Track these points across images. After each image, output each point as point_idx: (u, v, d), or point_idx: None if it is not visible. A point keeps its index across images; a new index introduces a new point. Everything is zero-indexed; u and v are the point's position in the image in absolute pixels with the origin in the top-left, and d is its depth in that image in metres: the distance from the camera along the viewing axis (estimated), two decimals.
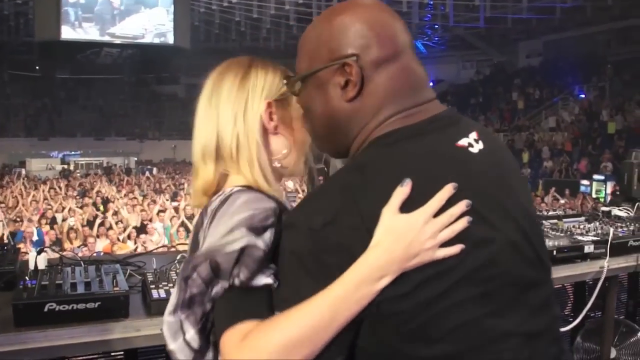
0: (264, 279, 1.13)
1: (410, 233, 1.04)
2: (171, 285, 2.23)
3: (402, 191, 1.05)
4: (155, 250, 3.55)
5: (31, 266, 2.31)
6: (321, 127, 1.23)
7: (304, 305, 1.04)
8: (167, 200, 14.87)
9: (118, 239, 10.51)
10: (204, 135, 1.34)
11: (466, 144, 1.15)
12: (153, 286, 2.21)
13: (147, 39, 30.17)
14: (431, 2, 29.32)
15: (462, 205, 1.07)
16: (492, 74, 35.65)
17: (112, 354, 2.56)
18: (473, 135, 1.17)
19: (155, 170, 27.52)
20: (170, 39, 30.28)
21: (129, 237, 10.82)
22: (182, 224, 11.64)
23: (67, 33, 28.50)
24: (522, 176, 1.36)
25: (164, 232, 11.22)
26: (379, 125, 1.17)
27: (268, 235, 1.16)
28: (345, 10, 1.20)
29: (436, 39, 36.40)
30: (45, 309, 1.93)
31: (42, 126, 34.69)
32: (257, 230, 1.15)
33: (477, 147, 1.16)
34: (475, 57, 37.72)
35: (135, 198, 14.92)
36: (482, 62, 37.45)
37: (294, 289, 1.09)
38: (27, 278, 2.13)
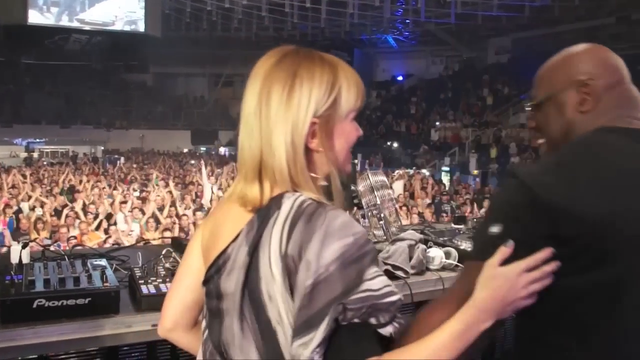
0: (391, 329, 1.23)
1: (506, 284, 1.26)
2: (160, 280, 2.22)
3: (504, 251, 1.27)
4: (137, 244, 3.52)
5: (14, 260, 2.27)
6: (559, 138, 1.54)
7: (427, 339, 1.21)
8: (135, 190, 14.70)
9: (87, 229, 10.35)
10: (246, 143, 1.31)
11: None
12: (142, 281, 2.19)
13: (118, 26, 29.67)
14: None
15: (547, 252, 1.27)
16: (462, 70, 35.97)
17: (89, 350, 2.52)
18: None
19: (122, 160, 27.21)
20: (141, 27, 29.84)
21: (98, 227, 10.67)
22: (152, 215, 11.52)
23: (35, 17, 27.87)
24: None
25: (131, 223, 11.09)
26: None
27: None
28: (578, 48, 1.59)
29: (407, 33, 36.55)
30: (34, 305, 1.91)
31: (6, 112, 33.97)
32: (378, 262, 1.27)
33: None
34: (445, 52, 38.00)
35: (104, 188, 14.72)
36: (451, 57, 37.76)
37: None
38: (12, 273, 2.08)
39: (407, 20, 32.98)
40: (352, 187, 3.14)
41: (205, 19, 30.92)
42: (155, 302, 2.08)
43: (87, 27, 28.83)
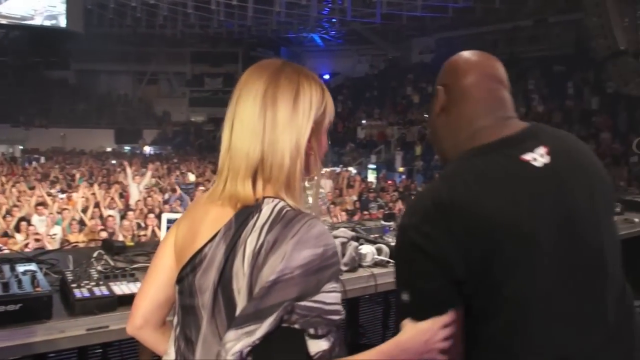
0: (324, 343, 1.32)
1: (429, 333, 1.42)
2: (93, 283, 2.19)
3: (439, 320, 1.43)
4: (65, 247, 3.44)
5: None
6: (433, 141, 1.72)
7: None
8: (58, 191, 14.27)
9: (7, 233, 10.00)
10: (246, 143, 1.37)
11: (530, 159, 1.46)
12: (74, 285, 2.16)
13: (37, 21, 28.60)
14: None
15: (451, 316, 1.43)
16: (387, 69, 36.49)
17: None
18: (541, 151, 1.48)
19: (43, 160, 26.31)
20: (62, 22, 28.90)
21: (18, 229, 10.31)
22: (76, 217, 11.23)
23: None
24: (590, 181, 1.55)
25: (52, 225, 10.76)
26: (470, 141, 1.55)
27: None
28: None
29: (333, 32, 36.79)
30: None
31: None
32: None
33: (541, 161, 1.47)
34: (370, 51, 38.42)
35: (24, 191, 14.21)
36: (377, 56, 38.22)
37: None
38: None
39: (334, 19, 33.21)
40: None
41: (130, 15, 30.23)
42: (90, 306, 2.06)
43: (3, 21, 27.61)
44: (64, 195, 13.48)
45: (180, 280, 1.43)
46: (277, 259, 1.25)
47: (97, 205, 12.22)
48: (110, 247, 2.96)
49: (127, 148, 36.51)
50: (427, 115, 2.11)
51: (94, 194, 13.42)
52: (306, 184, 1.47)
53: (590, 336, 1.45)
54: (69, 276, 2.26)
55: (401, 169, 23.15)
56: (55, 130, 34.69)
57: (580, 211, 1.48)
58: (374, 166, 24.34)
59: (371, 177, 21.71)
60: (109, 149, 35.31)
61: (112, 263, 2.69)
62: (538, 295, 1.42)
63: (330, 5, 30.35)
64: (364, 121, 29.66)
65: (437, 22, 29.85)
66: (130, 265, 2.72)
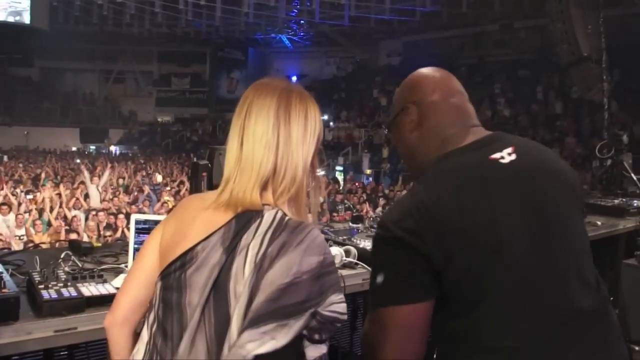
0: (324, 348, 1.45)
1: None
2: (61, 284, 2.17)
3: None
4: (31, 248, 3.40)
5: None
6: (406, 158, 1.83)
7: None
8: (22, 191, 14.04)
9: None
10: (259, 155, 1.46)
11: (498, 157, 1.60)
12: (42, 286, 2.14)
13: (0, 17, 28.05)
14: None
15: None
16: (354, 71, 36.61)
17: None
18: (508, 150, 1.62)
19: (5, 159, 25.83)
20: (26, 19, 28.37)
21: None
22: (40, 217, 11.08)
23: None
24: (556, 179, 1.67)
25: (22, 225, 10.61)
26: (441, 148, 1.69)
27: None
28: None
29: (301, 34, 36.76)
30: None
31: None
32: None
33: (508, 159, 1.60)
34: (338, 54, 38.46)
35: None
36: (344, 59, 38.29)
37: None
38: None
39: (302, 21, 33.20)
40: None
41: (96, 13, 29.80)
42: (58, 308, 2.05)
43: None
44: (30, 196, 13.25)
45: (165, 275, 1.47)
46: (287, 264, 1.34)
47: (61, 205, 12.06)
48: (78, 248, 2.94)
49: (92, 147, 36.03)
50: (388, 131, 2.09)
51: (58, 194, 13.25)
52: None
53: (566, 327, 1.52)
54: (36, 277, 2.25)
55: (368, 171, 23.26)
56: (19, 129, 34.13)
57: (548, 202, 1.59)
58: (341, 168, 24.40)
59: (339, 179, 21.76)
60: (74, 149, 34.82)
61: (79, 264, 2.67)
62: (512, 286, 1.51)
63: (298, 7, 30.33)
64: (331, 123, 29.72)
65: (405, 26, 30.01)
66: (98, 267, 2.71)
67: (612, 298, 5.10)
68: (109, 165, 18.09)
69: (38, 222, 10.79)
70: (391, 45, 35.00)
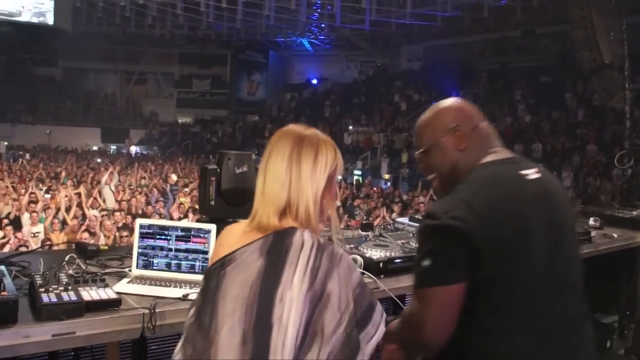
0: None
1: None
2: (62, 288, 2.17)
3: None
4: (39, 249, 3.40)
5: None
6: (447, 173, 2.10)
7: None
8: (41, 189, 14.15)
9: None
10: (276, 190, 1.78)
11: (525, 173, 1.98)
12: (42, 290, 2.14)
13: (25, 17, 28.31)
14: (319, 2, 29.61)
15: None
16: (375, 75, 36.51)
17: None
18: (533, 170, 2.01)
19: (28, 157, 26.08)
20: (50, 20, 28.63)
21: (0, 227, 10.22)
22: (57, 216, 11.15)
23: None
24: (566, 196, 2.14)
25: (36, 223, 10.69)
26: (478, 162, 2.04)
27: None
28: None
29: (322, 37, 36.78)
30: None
31: None
32: None
33: (533, 176, 1.99)
34: (359, 57, 38.39)
35: (7, 187, 14.09)
36: (365, 63, 38.22)
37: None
38: None
39: (323, 25, 33.22)
40: None
41: (119, 14, 30.07)
42: (56, 312, 2.04)
43: None
44: (48, 195, 13.35)
45: (207, 274, 1.77)
46: (346, 278, 1.71)
47: (79, 204, 12.12)
48: (84, 250, 2.94)
49: (113, 147, 36.27)
50: (423, 154, 2.23)
51: (78, 193, 13.33)
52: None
53: (568, 332, 1.96)
54: (38, 280, 2.24)
55: (387, 176, 23.16)
56: (42, 127, 34.41)
57: (563, 221, 2.00)
58: (359, 172, 24.33)
59: (360, 182, 21.69)
60: (95, 148, 35.06)
61: (83, 267, 2.66)
62: (532, 290, 1.88)
63: (319, 10, 30.36)
64: (350, 127, 29.65)
65: (426, 30, 29.91)
66: (102, 270, 2.70)
67: (628, 312, 5.03)
68: (116, 166, 18.09)
69: (55, 220, 10.87)
70: (412, 49, 34.90)
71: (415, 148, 2.27)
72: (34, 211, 11.10)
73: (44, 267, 2.50)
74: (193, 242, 2.65)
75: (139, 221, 2.72)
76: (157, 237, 2.66)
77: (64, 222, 10.92)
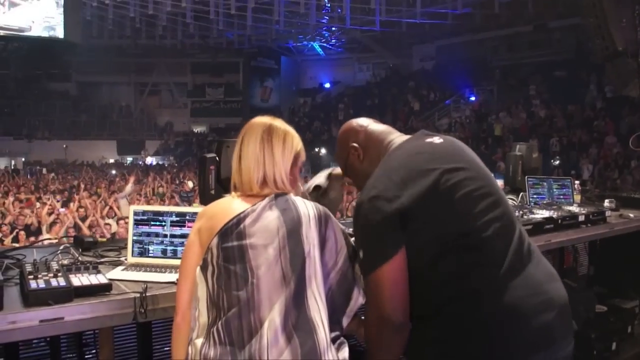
0: None
1: None
2: (51, 275, 2.11)
3: None
4: (37, 243, 3.37)
5: None
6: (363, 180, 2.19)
7: None
8: (57, 201, 14.22)
9: (2, 241, 9.95)
10: (252, 167, 2.06)
11: (432, 140, 2.17)
12: (31, 277, 2.09)
13: (35, 32, 28.51)
14: (328, 5, 29.61)
15: None
16: (388, 77, 36.41)
17: None
18: (437, 137, 2.19)
19: (44, 172, 26.25)
20: (60, 33, 28.77)
21: (17, 239, 10.25)
22: (74, 225, 11.19)
23: None
24: (470, 153, 2.22)
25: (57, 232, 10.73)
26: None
27: None
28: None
29: (333, 40, 36.76)
30: None
31: None
32: None
33: (438, 141, 2.16)
34: (371, 59, 38.33)
35: (23, 200, 14.18)
36: (377, 64, 38.14)
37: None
38: None
39: (333, 28, 33.21)
40: None
41: (129, 26, 30.28)
42: (44, 297, 1.99)
43: (1, 32, 27.46)
44: (63, 209, 13.40)
45: (223, 234, 1.92)
46: (336, 224, 2.09)
47: (94, 214, 12.17)
48: (81, 242, 2.88)
49: (129, 159, 36.47)
50: (346, 175, 2.51)
51: (93, 202, 13.40)
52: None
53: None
54: (28, 268, 2.19)
55: None
56: (58, 142, 34.63)
57: (474, 165, 2.12)
58: None
59: None
60: (111, 161, 35.26)
61: (78, 257, 2.61)
62: (457, 230, 1.96)
63: (329, 13, 30.34)
64: None
65: (437, 29, 29.73)
66: (97, 260, 2.65)
67: None
68: (131, 177, 18.14)
69: (71, 230, 10.90)
70: (424, 49, 34.76)
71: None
72: (53, 222, 11.15)
73: (37, 257, 2.45)
74: (188, 227, 2.59)
75: (132, 208, 2.67)
76: (152, 223, 2.61)
77: (79, 231, 10.94)
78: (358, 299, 2.07)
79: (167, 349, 3.47)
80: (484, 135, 23.87)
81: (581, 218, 4.06)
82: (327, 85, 39.54)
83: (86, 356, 2.73)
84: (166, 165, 31.95)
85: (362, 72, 38.78)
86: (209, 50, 36.93)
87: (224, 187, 3.29)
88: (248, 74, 39.43)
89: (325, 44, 37.61)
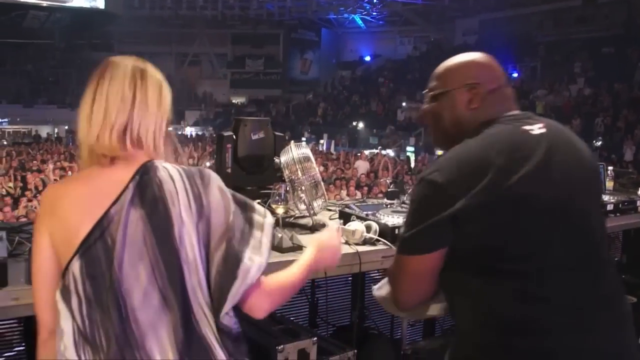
0: None
1: (334, 241, 1.98)
2: None
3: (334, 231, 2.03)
4: None
5: None
6: (450, 127, 1.96)
7: (289, 268, 1.76)
8: None
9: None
10: (114, 110, 1.58)
11: (529, 129, 1.81)
12: None
13: (76, 3, 28.79)
14: None
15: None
16: (429, 51, 35.92)
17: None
18: (538, 125, 1.83)
19: None
20: (100, 4, 29.04)
21: None
22: None
23: None
24: (576, 148, 1.88)
25: None
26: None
27: None
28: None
29: (374, 13, 36.43)
30: None
31: None
32: None
33: (538, 131, 1.81)
34: (412, 33, 37.88)
35: (63, 168, 14.45)
36: (419, 38, 37.67)
37: None
38: None
39: (375, 0, 32.83)
40: (275, 160, 3.09)
41: None
42: None
43: (44, 4, 27.83)
44: None
45: (86, 251, 1.49)
46: (225, 205, 1.58)
47: None
48: None
49: (169, 129, 36.81)
50: (430, 97, 2.12)
51: None
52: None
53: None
54: None
55: (440, 152, 22.78)
56: None
57: (570, 171, 1.79)
58: (412, 149, 24.07)
59: (410, 159, 21.44)
60: None
61: None
62: (533, 239, 1.70)
63: None
64: (404, 104, 29.30)
65: (481, 3, 29.25)
66: None
67: None
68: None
69: None
70: (467, 23, 34.15)
71: (426, 89, 2.13)
72: None
73: None
74: None
75: None
76: None
77: None
78: (248, 273, 1.55)
79: None
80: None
81: (609, 207, 3.94)
82: (368, 58, 39.21)
83: None
84: (206, 136, 32.24)
85: (403, 45, 38.33)
86: (249, 22, 36.96)
87: (240, 166, 3.29)
88: (288, 45, 39.39)
89: (366, 17, 37.28)
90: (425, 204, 1.76)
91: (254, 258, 1.56)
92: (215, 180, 1.60)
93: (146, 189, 1.52)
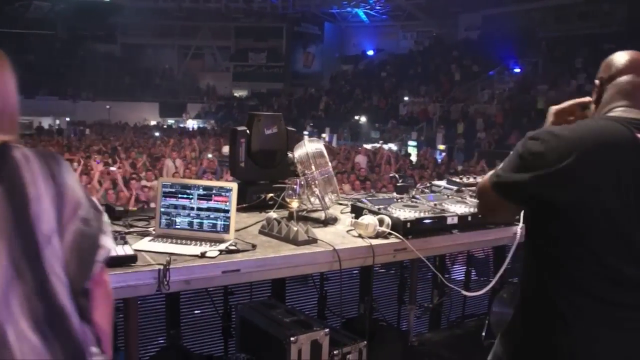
0: None
1: None
2: None
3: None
4: None
5: None
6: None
7: None
8: (97, 162, 14.48)
9: None
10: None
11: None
12: None
13: None
14: None
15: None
16: (431, 46, 35.90)
17: None
18: None
19: (88, 132, 26.75)
20: None
21: None
22: (113, 187, 11.40)
23: None
24: None
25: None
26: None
27: None
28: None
29: (378, 8, 36.36)
30: None
31: None
32: None
33: None
34: (415, 28, 37.83)
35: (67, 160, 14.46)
36: (421, 33, 37.60)
37: None
38: None
39: None
40: (289, 155, 3.13)
41: None
42: None
43: None
44: (101, 167, 13.64)
45: None
46: (73, 187, 1.55)
47: (136, 176, 12.37)
48: (111, 211, 2.95)
49: (170, 121, 36.88)
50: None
51: (134, 165, 13.63)
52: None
53: None
54: None
55: (442, 147, 22.84)
56: (102, 103, 35.18)
57: None
58: (414, 143, 24.08)
59: (412, 154, 21.46)
60: (153, 122, 35.70)
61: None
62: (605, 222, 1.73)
63: None
64: (406, 98, 29.29)
65: None
66: (126, 229, 2.72)
67: None
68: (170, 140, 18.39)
69: (111, 191, 11.09)
70: (469, 18, 34.08)
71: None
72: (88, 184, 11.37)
73: None
74: (215, 200, 2.63)
75: (161, 180, 2.72)
76: (180, 196, 2.65)
77: (118, 193, 11.15)
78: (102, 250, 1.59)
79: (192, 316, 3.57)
80: (527, 109, 23.44)
81: None
82: (370, 52, 39.15)
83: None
84: (207, 129, 32.25)
85: (405, 40, 38.27)
86: (252, 15, 36.90)
87: (254, 160, 3.34)
88: (291, 39, 39.31)
89: (369, 11, 37.21)
90: (529, 156, 1.86)
91: (107, 239, 1.60)
92: (68, 164, 1.61)
93: (3, 167, 1.48)
